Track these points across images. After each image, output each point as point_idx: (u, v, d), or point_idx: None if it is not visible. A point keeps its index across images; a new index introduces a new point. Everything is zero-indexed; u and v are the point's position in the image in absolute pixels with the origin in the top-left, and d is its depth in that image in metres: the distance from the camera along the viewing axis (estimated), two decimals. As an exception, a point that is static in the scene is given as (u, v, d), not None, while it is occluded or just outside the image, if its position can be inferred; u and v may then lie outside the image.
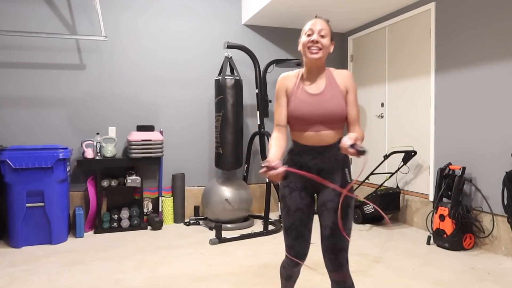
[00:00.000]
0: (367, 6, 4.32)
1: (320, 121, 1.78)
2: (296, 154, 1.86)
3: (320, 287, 2.70)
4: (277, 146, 1.80)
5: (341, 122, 1.81)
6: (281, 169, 1.61)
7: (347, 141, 1.58)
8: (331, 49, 1.83)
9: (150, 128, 4.37)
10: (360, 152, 1.56)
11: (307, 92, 1.81)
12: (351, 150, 1.56)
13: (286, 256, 1.93)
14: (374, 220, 4.43)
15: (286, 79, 1.87)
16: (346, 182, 1.86)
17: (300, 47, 1.84)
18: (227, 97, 4.23)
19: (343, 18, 4.80)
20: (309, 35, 1.79)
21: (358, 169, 5.25)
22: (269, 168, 1.59)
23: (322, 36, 1.78)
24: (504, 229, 3.33)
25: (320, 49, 1.77)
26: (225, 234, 3.98)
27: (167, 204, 4.46)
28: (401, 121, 4.46)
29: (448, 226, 3.47)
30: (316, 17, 1.83)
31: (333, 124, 1.79)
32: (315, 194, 1.92)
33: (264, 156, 4.61)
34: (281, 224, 4.36)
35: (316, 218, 3.95)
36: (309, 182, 1.86)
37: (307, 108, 1.78)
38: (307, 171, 1.82)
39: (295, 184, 1.87)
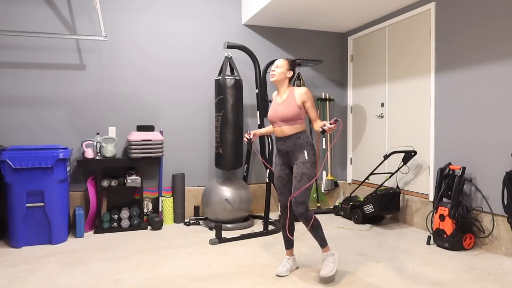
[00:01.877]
0: (367, 6, 4.32)
1: (280, 120, 2.81)
2: (276, 142, 2.90)
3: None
4: (265, 128, 3.19)
5: (295, 120, 2.78)
6: (249, 135, 3.05)
7: (319, 128, 2.70)
8: (288, 76, 2.88)
9: (150, 128, 4.37)
10: (332, 124, 2.56)
11: (275, 102, 2.90)
12: (326, 128, 2.59)
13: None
14: (374, 220, 4.43)
15: (274, 94, 2.99)
16: (304, 159, 2.76)
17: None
18: (227, 97, 4.23)
19: (343, 18, 4.80)
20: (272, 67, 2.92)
21: (358, 168, 5.26)
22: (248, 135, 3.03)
23: (278, 67, 2.87)
24: (504, 229, 3.34)
25: (274, 75, 2.87)
26: (225, 234, 3.98)
27: (167, 204, 4.46)
28: (401, 121, 4.46)
29: (448, 226, 3.47)
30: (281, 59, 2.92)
31: (289, 121, 2.78)
32: (292, 167, 2.88)
33: (264, 156, 4.61)
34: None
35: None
36: (285, 159, 2.88)
37: (273, 112, 2.86)
38: (281, 154, 2.89)
39: (278, 160, 2.93)
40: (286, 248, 3.01)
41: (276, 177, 2.93)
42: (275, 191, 2.91)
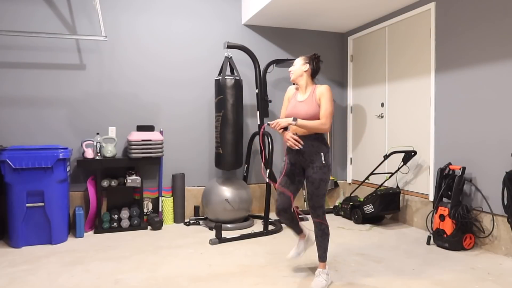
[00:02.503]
0: (367, 6, 4.32)
1: (301, 118, 2.67)
2: None
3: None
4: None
5: (315, 120, 2.65)
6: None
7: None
8: (304, 70, 2.77)
9: (150, 128, 4.37)
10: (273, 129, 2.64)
11: (296, 100, 2.78)
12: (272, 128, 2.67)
13: None
14: (374, 220, 4.43)
15: (290, 90, 2.90)
16: (321, 162, 2.67)
17: None
18: (227, 97, 4.23)
19: (343, 18, 4.80)
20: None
21: (358, 168, 5.25)
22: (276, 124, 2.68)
23: (293, 65, 2.81)
24: (504, 229, 3.34)
25: (291, 74, 2.80)
26: (225, 234, 3.98)
27: (167, 204, 4.46)
28: (401, 121, 4.46)
29: (448, 226, 3.47)
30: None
31: (309, 120, 2.65)
32: (304, 169, 2.79)
33: (264, 155, 4.60)
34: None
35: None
36: (298, 159, 2.75)
37: (293, 109, 2.74)
38: (295, 153, 2.75)
39: (289, 159, 2.81)
40: (296, 234, 3.01)
41: (284, 173, 2.82)
42: (275, 189, 2.79)
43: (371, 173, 4.40)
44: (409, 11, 4.28)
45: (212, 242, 3.71)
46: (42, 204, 3.65)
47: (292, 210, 2.83)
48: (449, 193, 3.60)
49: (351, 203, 4.57)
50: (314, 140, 2.70)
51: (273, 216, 4.79)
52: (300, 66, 2.77)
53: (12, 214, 3.60)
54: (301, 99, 2.74)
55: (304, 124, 2.61)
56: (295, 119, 2.60)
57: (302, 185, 2.85)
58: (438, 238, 3.55)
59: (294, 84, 2.87)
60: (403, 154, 4.32)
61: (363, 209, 4.32)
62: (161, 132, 4.51)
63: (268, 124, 2.70)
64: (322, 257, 2.75)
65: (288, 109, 2.78)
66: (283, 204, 2.79)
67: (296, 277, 2.87)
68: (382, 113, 4.77)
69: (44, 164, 3.61)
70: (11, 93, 4.16)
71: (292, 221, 2.88)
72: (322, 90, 2.67)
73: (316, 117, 2.64)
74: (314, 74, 2.80)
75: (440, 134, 3.93)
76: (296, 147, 2.63)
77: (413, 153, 4.17)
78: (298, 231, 2.97)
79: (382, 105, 4.76)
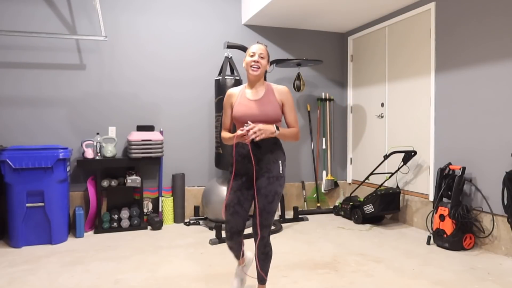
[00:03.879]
0: (367, 6, 4.32)
1: (257, 119, 2.25)
2: (241, 146, 2.34)
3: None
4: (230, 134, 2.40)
5: (274, 123, 2.27)
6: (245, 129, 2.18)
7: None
8: (268, 68, 2.38)
9: (150, 128, 4.37)
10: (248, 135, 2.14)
11: (248, 98, 2.33)
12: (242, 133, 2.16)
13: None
14: (374, 220, 4.43)
15: (230, 96, 2.41)
16: (278, 172, 2.29)
17: (244, 65, 2.36)
18: (227, 97, 4.23)
19: (343, 18, 4.80)
20: (251, 56, 2.31)
21: (358, 168, 5.25)
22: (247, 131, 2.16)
23: (262, 58, 2.31)
24: (504, 229, 3.33)
25: (258, 68, 2.30)
26: (225, 234, 3.98)
27: (167, 204, 4.46)
28: (401, 121, 4.46)
29: (448, 226, 3.47)
30: (257, 42, 2.37)
31: (268, 123, 2.25)
32: (252, 180, 2.33)
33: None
34: (276, 220, 4.36)
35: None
36: (250, 169, 2.31)
37: (246, 109, 2.29)
38: (246, 161, 2.31)
39: (239, 171, 2.34)
40: (237, 258, 2.50)
41: (233, 190, 2.33)
42: (223, 211, 2.37)
43: (371, 173, 4.40)
44: (409, 11, 4.28)
45: (212, 242, 3.71)
46: (42, 204, 3.65)
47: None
48: (449, 193, 3.60)
49: (351, 203, 4.57)
50: (273, 145, 2.31)
51: (273, 216, 4.78)
52: (267, 62, 2.36)
53: (12, 214, 3.60)
54: (254, 98, 2.31)
55: (284, 133, 2.24)
56: (277, 128, 2.22)
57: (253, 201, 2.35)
58: (438, 238, 3.55)
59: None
60: (403, 154, 4.32)
61: (363, 209, 4.32)
62: (161, 132, 4.51)
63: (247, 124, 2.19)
64: (263, 279, 2.35)
65: (241, 111, 2.29)
66: (237, 227, 2.33)
67: (296, 277, 2.87)
68: (382, 113, 4.77)
69: (44, 164, 3.61)
70: (11, 93, 4.16)
71: (241, 244, 2.43)
72: (286, 94, 2.32)
73: (277, 119, 2.28)
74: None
75: (440, 134, 3.93)
76: (260, 137, 2.15)
77: (413, 153, 4.17)
78: (241, 254, 2.48)
79: (382, 105, 4.76)
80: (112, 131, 4.45)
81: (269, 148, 2.29)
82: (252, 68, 2.30)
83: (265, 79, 2.34)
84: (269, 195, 2.25)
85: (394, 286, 2.71)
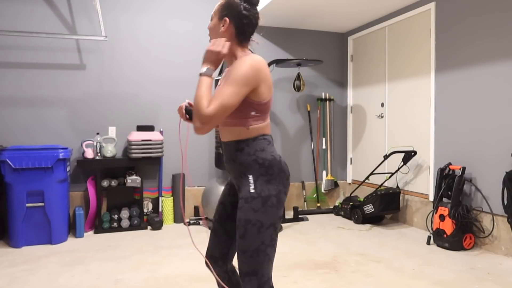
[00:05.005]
0: (367, 6, 4.32)
1: None
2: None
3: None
4: None
5: (233, 119, 1.52)
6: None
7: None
8: (223, 27, 1.54)
9: (150, 128, 4.37)
10: (187, 112, 1.60)
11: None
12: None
13: None
14: (374, 220, 4.43)
15: None
16: (248, 192, 1.50)
17: None
18: (227, 97, 4.22)
19: (343, 18, 4.80)
20: None
21: (358, 168, 5.26)
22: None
23: (211, 20, 1.61)
24: (504, 229, 3.33)
25: (210, 42, 1.56)
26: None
27: (167, 204, 4.46)
28: (401, 121, 4.46)
29: (448, 226, 3.46)
30: None
31: (227, 118, 1.53)
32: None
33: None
34: (278, 224, 4.35)
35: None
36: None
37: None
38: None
39: (230, 179, 1.73)
40: None
41: (218, 202, 1.75)
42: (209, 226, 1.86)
43: (371, 173, 4.40)
44: (409, 11, 4.28)
45: (212, 242, 3.69)
46: (42, 204, 3.65)
47: (230, 264, 1.73)
48: (449, 193, 3.60)
49: (351, 203, 4.57)
50: (236, 152, 1.55)
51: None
52: (216, 23, 1.59)
53: (12, 214, 3.60)
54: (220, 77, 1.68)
55: (196, 94, 1.46)
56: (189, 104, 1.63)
57: None
58: (438, 238, 3.55)
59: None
60: (403, 154, 4.32)
61: (363, 209, 4.32)
62: (161, 132, 4.51)
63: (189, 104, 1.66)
64: None
65: None
66: (212, 251, 1.70)
67: (296, 277, 2.87)
68: (382, 113, 4.77)
69: (44, 164, 3.61)
70: (12, 93, 4.16)
71: (220, 277, 1.70)
72: (239, 62, 1.48)
73: (233, 112, 1.52)
74: (240, 34, 1.56)
75: (440, 134, 3.93)
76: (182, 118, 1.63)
77: (413, 153, 4.17)
78: None
79: (382, 105, 4.76)
80: (112, 131, 4.45)
81: (232, 155, 1.56)
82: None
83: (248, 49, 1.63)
84: (239, 226, 1.49)
85: (394, 286, 2.71)
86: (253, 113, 1.51)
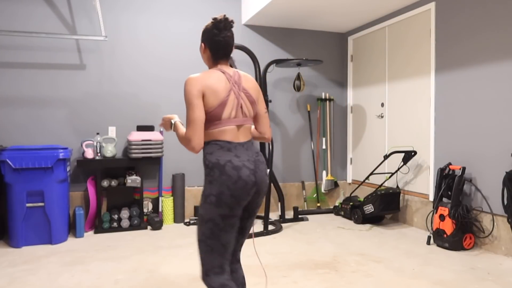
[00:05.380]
0: (367, 6, 4.32)
1: None
2: None
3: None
4: None
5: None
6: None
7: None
8: (202, 51, 1.87)
9: (150, 128, 4.37)
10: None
11: None
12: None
13: None
14: (374, 220, 4.43)
15: None
16: (204, 190, 1.73)
17: None
18: (227, 97, 4.22)
19: (343, 18, 4.80)
20: None
21: (358, 168, 5.25)
22: None
23: None
24: (504, 229, 3.33)
25: None
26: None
27: (167, 204, 4.46)
28: (401, 121, 4.46)
29: (448, 226, 3.47)
30: None
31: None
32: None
33: (264, 156, 4.60)
34: (278, 225, 4.36)
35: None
36: None
37: None
38: None
39: None
40: None
41: None
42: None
43: (371, 173, 4.40)
44: (409, 11, 4.28)
45: (212, 242, 3.70)
46: (42, 204, 3.65)
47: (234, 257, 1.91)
48: (449, 193, 3.60)
49: (351, 203, 4.57)
50: (203, 152, 1.78)
51: (273, 216, 4.78)
52: (200, 46, 1.88)
53: (12, 214, 3.60)
54: None
55: (176, 132, 1.82)
56: (174, 124, 1.86)
57: (245, 226, 1.87)
58: (438, 238, 3.55)
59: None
60: (403, 154, 4.31)
61: (363, 209, 4.32)
62: (161, 132, 4.51)
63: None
64: None
65: None
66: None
67: (296, 277, 2.87)
68: (382, 113, 4.77)
69: (44, 164, 3.61)
70: (12, 93, 4.16)
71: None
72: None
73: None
74: (214, 55, 1.83)
75: (440, 134, 3.93)
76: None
77: (413, 153, 4.17)
78: None
79: (382, 105, 4.76)
80: (112, 131, 4.45)
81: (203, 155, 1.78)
82: None
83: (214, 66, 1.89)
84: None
85: (394, 286, 2.71)
86: (208, 121, 1.73)
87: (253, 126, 1.95)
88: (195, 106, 1.67)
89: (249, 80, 1.88)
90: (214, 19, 1.78)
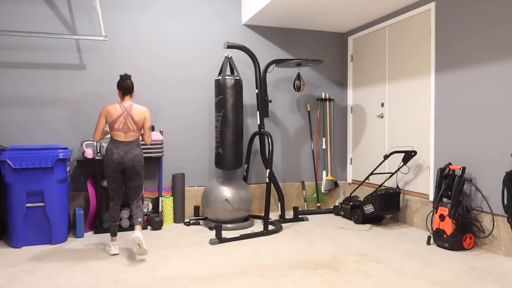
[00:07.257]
0: (367, 6, 4.32)
1: None
2: None
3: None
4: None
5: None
6: None
7: None
8: (117, 92, 3.53)
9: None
10: None
11: None
12: None
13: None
14: (374, 220, 4.43)
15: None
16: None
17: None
18: (227, 97, 4.23)
19: (343, 18, 4.80)
20: None
21: (358, 168, 5.26)
22: None
23: None
24: (504, 229, 3.34)
25: None
26: (225, 234, 3.98)
27: (167, 204, 4.46)
28: (401, 121, 4.46)
29: (448, 226, 3.47)
30: None
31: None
32: None
33: (264, 156, 4.60)
34: (274, 224, 4.36)
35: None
36: None
37: None
38: None
39: None
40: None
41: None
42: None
43: (371, 173, 4.40)
44: (409, 11, 4.28)
45: (212, 242, 3.71)
46: (42, 204, 3.65)
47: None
48: (449, 193, 3.60)
49: (351, 203, 4.57)
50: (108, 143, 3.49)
51: (273, 216, 4.79)
52: None
53: (12, 214, 3.60)
54: None
55: None
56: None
57: (129, 184, 3.48)
58: (438, 238, 3.55)
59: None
60: (403, 154, 4.31)
61: (363, 209, 4.32)
62: (161, 132, 4.51)
63: None
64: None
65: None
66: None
67: (296, 277, 2.87)
68: (382, 113, 4.77)
69: (44, 164, 3.61)
70: (12, 94, 4.16)
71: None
72: None
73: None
74: (120, 94, 3.46)
75: (440, 134, 3.93)
76: None
77: (413, 153, 4.17)
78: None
79: (382, 105, 4.76)
80: (112, 131, 4.44)
81: None
82: None
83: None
84: None
85: (394, 286, 2.71)
86: (110, 128, 3.36)
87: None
88: (100, 121, 3.34)
89: (137, 110, 3.39)
90: (120, 76, 3.45)
